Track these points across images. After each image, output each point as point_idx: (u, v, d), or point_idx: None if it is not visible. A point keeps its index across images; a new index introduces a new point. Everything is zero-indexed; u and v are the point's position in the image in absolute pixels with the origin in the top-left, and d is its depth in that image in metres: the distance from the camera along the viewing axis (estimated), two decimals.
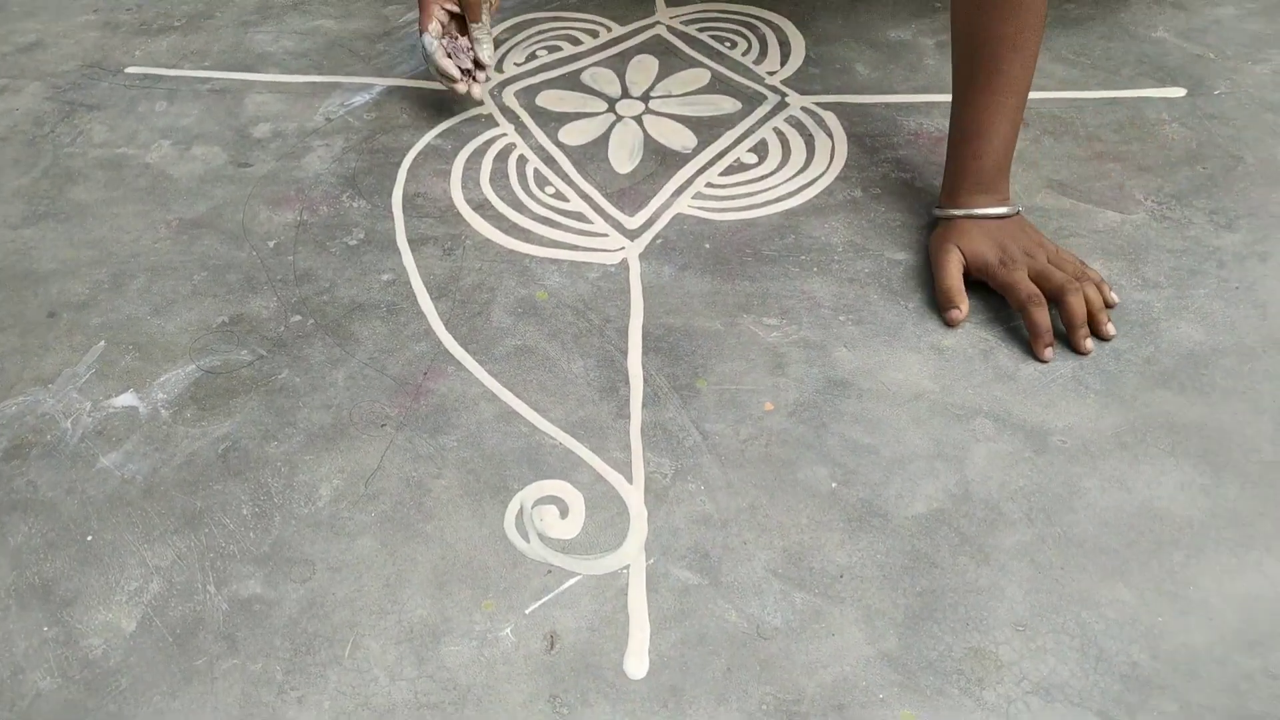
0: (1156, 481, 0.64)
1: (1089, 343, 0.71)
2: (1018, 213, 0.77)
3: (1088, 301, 0.72)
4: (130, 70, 1.04)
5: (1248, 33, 1.02)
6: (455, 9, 0.90)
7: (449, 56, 0.90)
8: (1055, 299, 0.72)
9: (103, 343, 0.75)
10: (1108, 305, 0.73)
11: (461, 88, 0.91)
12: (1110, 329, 0.72)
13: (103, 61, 1.05)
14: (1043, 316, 0.71)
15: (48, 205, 0.87)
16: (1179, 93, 0.95)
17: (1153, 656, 0.55)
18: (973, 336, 0.73)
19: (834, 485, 0.64)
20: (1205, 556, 0.60)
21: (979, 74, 0.76)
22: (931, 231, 0.80)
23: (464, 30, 0.92)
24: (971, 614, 0.57)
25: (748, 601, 0.58)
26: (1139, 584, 0.58)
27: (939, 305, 0.75)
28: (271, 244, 0.83)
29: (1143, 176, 0.86)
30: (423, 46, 0.89)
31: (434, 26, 0.88)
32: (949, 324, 0.74)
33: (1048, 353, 0.71)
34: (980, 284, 0.76)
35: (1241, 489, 0.63)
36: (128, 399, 0.71)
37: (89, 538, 0.62)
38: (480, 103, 0.95)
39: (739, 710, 0.53)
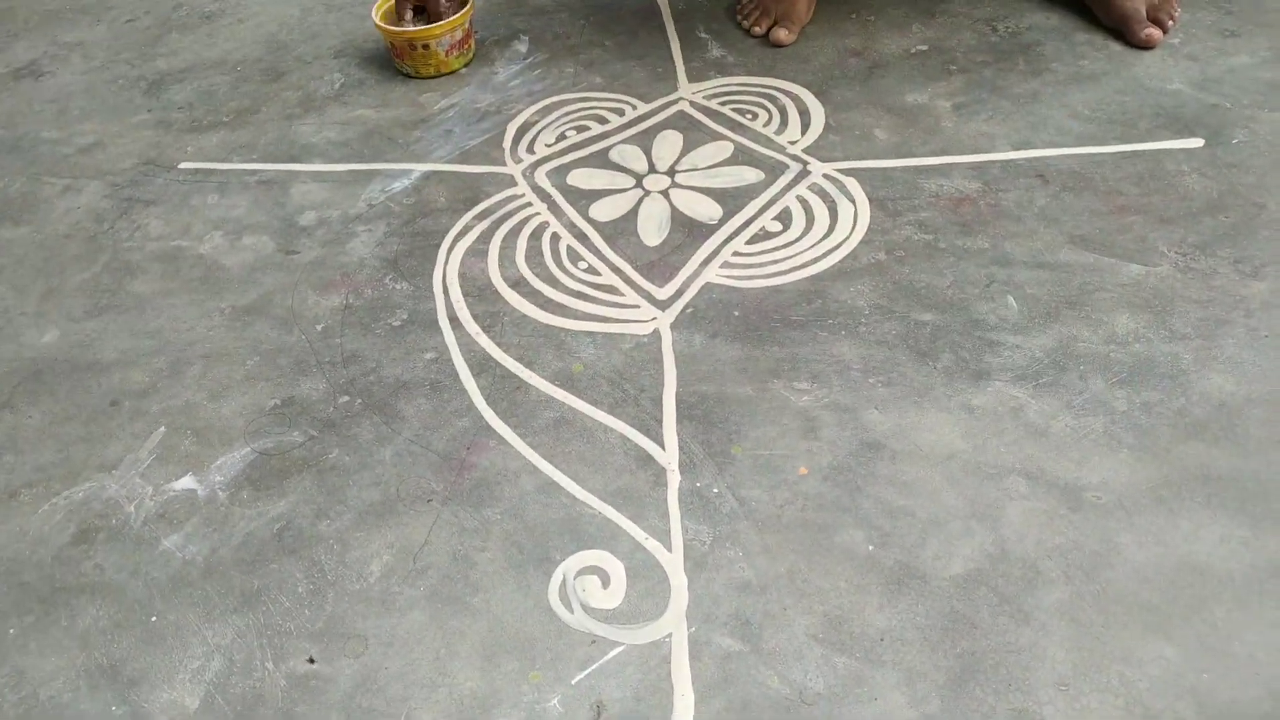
0: (1195, 535, 0.64)
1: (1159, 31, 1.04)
2: None
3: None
4: (183, 166, 1.10)
5: (1262, 81, 1.03)
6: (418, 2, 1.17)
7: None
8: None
9: (163, 428, 0.78)
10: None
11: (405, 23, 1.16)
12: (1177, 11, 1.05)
13: (157, 159, 1.12)
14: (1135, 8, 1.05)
15: (109, 298, 0.92)
16: (1197, 143, 0.97)
17: (1199, 714, 0.55)
18: (1002, 395, 0.74)
19: (871, 548, 0.65)
20: (1248, 610, 0.59)
21: None
22: None
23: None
24: (1013, 674, 0.58)
25: (789, 667, 0.59)
26: (1181, 640, 0.58)
27: (1132, 28, 1.08)
28: (319, 327, 0.86)
29: (1165, 228, 0.87)
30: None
31: (410, 16, 1.17)
32: (1147, 43, 1.07)
33: (1150, 31, 1.06)
34: None
35: None
36: (187, 482, 0.74)
37: (153, 618, 0.65)
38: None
39: None
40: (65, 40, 1.37)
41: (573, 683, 0.59)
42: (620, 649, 0.61)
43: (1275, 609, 0.59)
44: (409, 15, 1.18)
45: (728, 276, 0.88)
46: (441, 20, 1.15)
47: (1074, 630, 0.59)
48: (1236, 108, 1.00)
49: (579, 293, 0.88)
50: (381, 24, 1.17)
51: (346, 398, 0.80)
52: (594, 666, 0.60)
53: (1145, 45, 1.09)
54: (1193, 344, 0.76)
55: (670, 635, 0.61)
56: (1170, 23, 1.11)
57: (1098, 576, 0.62)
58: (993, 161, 0.97)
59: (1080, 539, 0.64)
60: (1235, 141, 0.96)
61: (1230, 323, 0.78)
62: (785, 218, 0.93)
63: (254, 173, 1.08)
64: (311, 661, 0.62)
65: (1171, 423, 0.71)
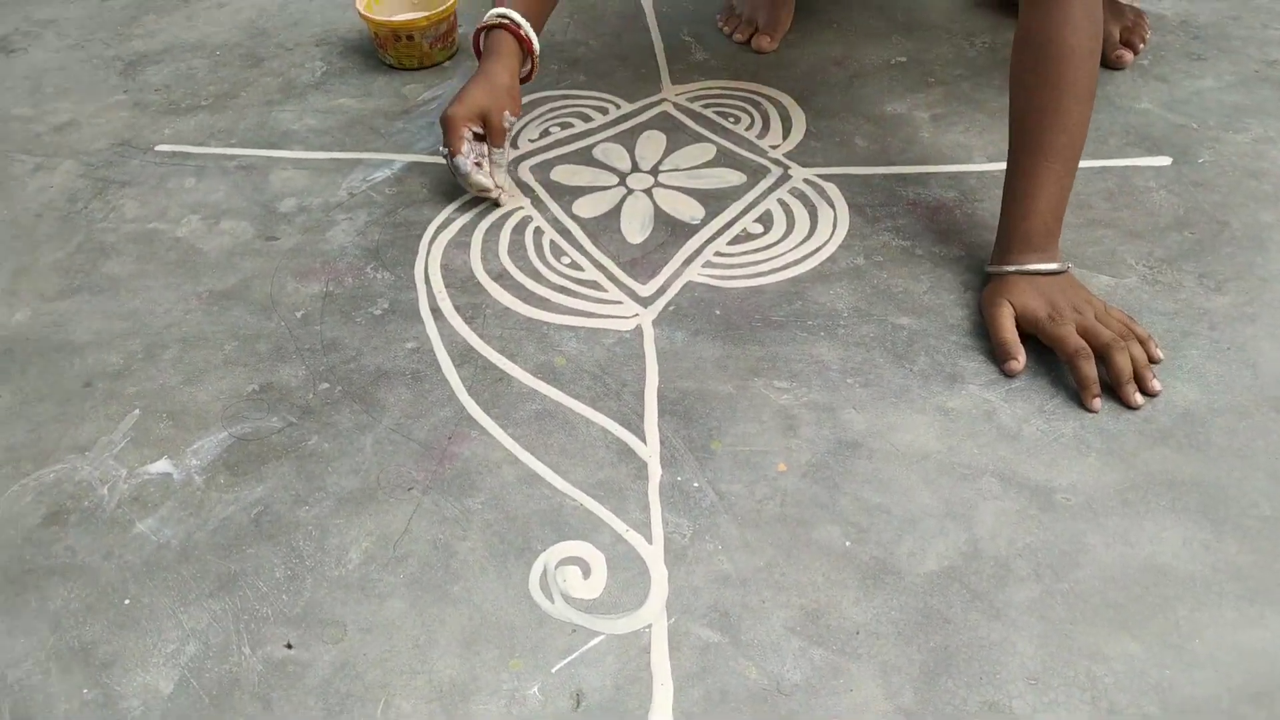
0: (1159, 537, 0.66)
1: (1138, 397, 0.74)
2: (1067, 270, 0.81)
3: (1133, 359, 0.75)
4: (160, 148, 1.09)
5: (1227, 104, 1.07)
6: (479, 129, 0.95)
7: (478, 166, 0.94)
8: (1102, 356, 0.75)
9: (137, 411, 0.77)
10: (1152, 361, 0.76)
11: (496, 194, 0.96)
12: (1155, 385, 0.75)
13: (133, 140, 1.10)
14: (1090, 369, 0.74)
15: (82, 279, 0.91)
16: (1165, 161, 1.00)
17: (1163, 709, 0.57)
18: (976, 399, 0.76)
19: (848, 544, 0.66)
20: (1209, 610, 0.62)
21: (1025, 141, 0.81)
22: (983, 289, 0.84)
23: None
24: (985, 669, 0.59)
25: (767, 659, 0.60)
26: (1146, 638, 0.60)
27: (997, 357, 0.78)
28: (299, 314, 0.86)
29: (1134, 242, 0.90)
30: (455, 168, 0.94)
31: (465, 148, 0.93)
32: (1008, 374, 0.77)
33: (1095, 403, 0.74)
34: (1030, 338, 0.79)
35: (1241, 544, 0.65)
36: (162, 466, 0.73)
37: (126, 601, 0.64)
38: (520, 205, 0.98)
39: None
40: (39, 17, 1.34)
41: (553, 671, 0.60)
42: (600, 639, 0.61)
43: (1233, 609, 0.62)
44: (465, 147, 0.93)
45: (710, 276, 0.89)
46: (504, 142, 0.96)
47: (1043, 627, 0.61)
48: (1203, 129, 1.04)
49: (562, 287, 0.88)
50: (365, 13, 1.17)
51: (326, 385, 0.79)
52: (574, 655, 0.61)
53: (1116, 66, 1.12)
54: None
55: (650, 626, 0.62)
56: (1141, 45, 1.14)
57: (1066, 575, 0.64)
58: (969, 172, 1.00)
59: (1050, 539, 0.66)
60: (1201, 161, 0.99)
61: (1195, 334, 0.81)
62: (766, 220, 0.95)
63: (232, 157, 1.07)
64: (289, 647, 0.61)
65: (1139, 429, 0.73)
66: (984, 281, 0.85)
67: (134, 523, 0.69)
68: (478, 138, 0.95)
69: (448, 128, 0.93)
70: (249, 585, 0.65)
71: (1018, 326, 0.79)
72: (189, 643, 0.62)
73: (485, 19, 0.97)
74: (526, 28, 0.96)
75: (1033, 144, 0.81)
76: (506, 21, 0.95)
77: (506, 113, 0.94)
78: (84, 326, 0.86)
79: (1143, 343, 0.77)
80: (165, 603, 0.64)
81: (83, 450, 0.74)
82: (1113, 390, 0.75)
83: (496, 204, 0.97)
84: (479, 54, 0.98)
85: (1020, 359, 0.77)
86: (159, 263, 0.93)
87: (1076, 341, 0.75)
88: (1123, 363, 0.74)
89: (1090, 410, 0.74)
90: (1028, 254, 0.81)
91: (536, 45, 0.98)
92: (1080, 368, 0.74)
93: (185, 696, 0.59)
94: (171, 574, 0.66)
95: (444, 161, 0.99)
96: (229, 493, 0.71)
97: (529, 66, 1.00)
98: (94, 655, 0.61)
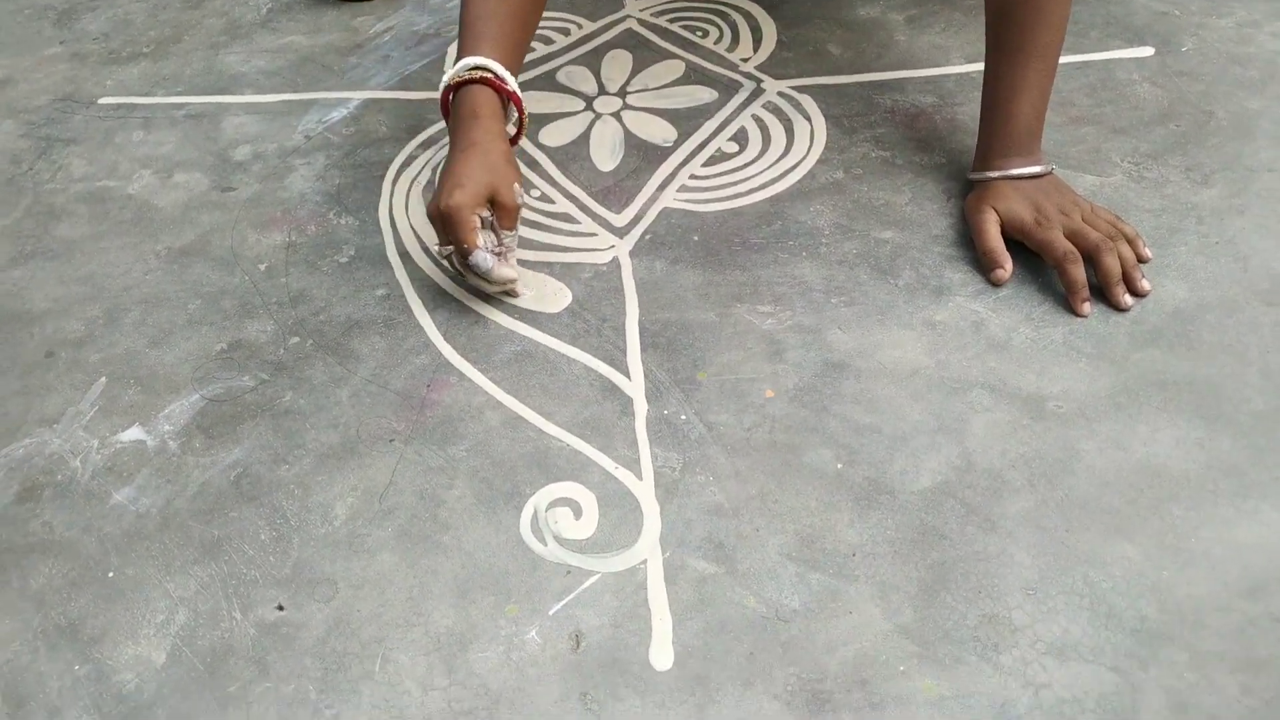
0: (1152, 439, 0.65)
1: (1127, 298, 0.73)
2: (1050, 171, 0.79)
3: (1122, 259, 0.73)
4: (104, 101, 1.04)
5: None
6: (486, 214, 0.74)
7: (499, 257, 0.76)
8: (1091, 257, 0.73)
9: (104, 379, 0.75)
10: (1141, 260, 0.75)
11: (520, 288, 0.79)
12: (1145, 285, 0.73)
13: (75, 94, 1.05)
14: (1079, 273, 0.73)
15: (34, 244, 0.87)
16: (1147, 52, 0.97)
17: (1160, 610, 0.57)
18: (963, 310, 0.75)
19: (840, 466, 0.65)
20: (1204, 509, 0.61)
21: (1003, 42, 0.78)
22: (966, 196, 0.81)
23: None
24: (983, 582, 0.59)
25: (764, 587, 0.59)
26: (1142, 540, 0.60)
27: (983, 266, 0.76)
28: (263, 267, 0.83)
29: (1118, 138, 0.88)
30: (474, 266, 0.73)
31: (483, 240, 0.74)
32: (995, 283, 0.76)
33: (1085, 307, 0.73)
34: (1017, 244, 0.77)
35: (1234, 440, 0.65)
36: (135, 433, 0.71)
37: (110, 574, 0.63)
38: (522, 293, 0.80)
39: (765, 693, 0.55)
40: None
41: (550, 614, 0.59)
42: (596, 578, 0.61)
43: (1228, 506, 0.61)
44: (480, 240, 0.73)
45: (686, 200, 0.86)
46: (514, 227, 0.77)
47: (1039, 536, 0.61)
48: (1185, 14, 1.00)
49: (534, 223, 0.85)
50: None
51: (297, 339, 0.77)
52: (570, 597, 0.60)
53: None
54: None
55: (645, 562, 0.61)
56: None
57: (1060, 483, 0.63)
58: (947, 75, 0.96)
59: (1043, 448, 0.65)
60: (1184, 49, 0.96)
61: (1182, 230, 0.79)
62: (741, 138, 0.91)
63: (180, 106, 1.02)
64: (280, 609, 0.60)
65: (1128, 331, 0.72)
66: (967, 188, 0.83)
67: (110, 494, 0.67)
68: (484, 223, 0.75)
69: (455, 221, 0.72)
70: (234, 549, 0.64)
71: (1003, 233, 0.77)
72: (178, 611, 0.61)
73: (456, 72, 0.77)
74: (512, 82, 0.77)
75: (1011, 44, 0.78)
76: (488, 76, 0.77)
77: (516, 185, 0.75)
78: (40, 294, 0.83)
79: (1131, 241, 0.75)
80: (150, 573, 0.63)
81: (50, 423, 0.72)
82: (1101, 293, 0.73)
83: (512, 295, 0.79)
84: (448, 115, 0.79)
85: (1007, 267, 0.75)
86: (113, 222, 0.89)
87: (1064, 245, 0.74)
88: (1111, 264, 0.73)
89: (1080, 315, 0.72)
90: (1010, 158, 0.79)
91: (523, 100, 0.79)
92: (1069, 272, 0.73)
93: (179, 666, 0.58)
94: (154, 543, 0.64)
95: (446, 265, 0.81)
96: (206, 456, 0.69)
97: (517, 128, 0.81)
98: (82, 631, 0.60)
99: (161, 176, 0.93)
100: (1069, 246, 0.73)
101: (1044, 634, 0.56)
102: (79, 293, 0.82)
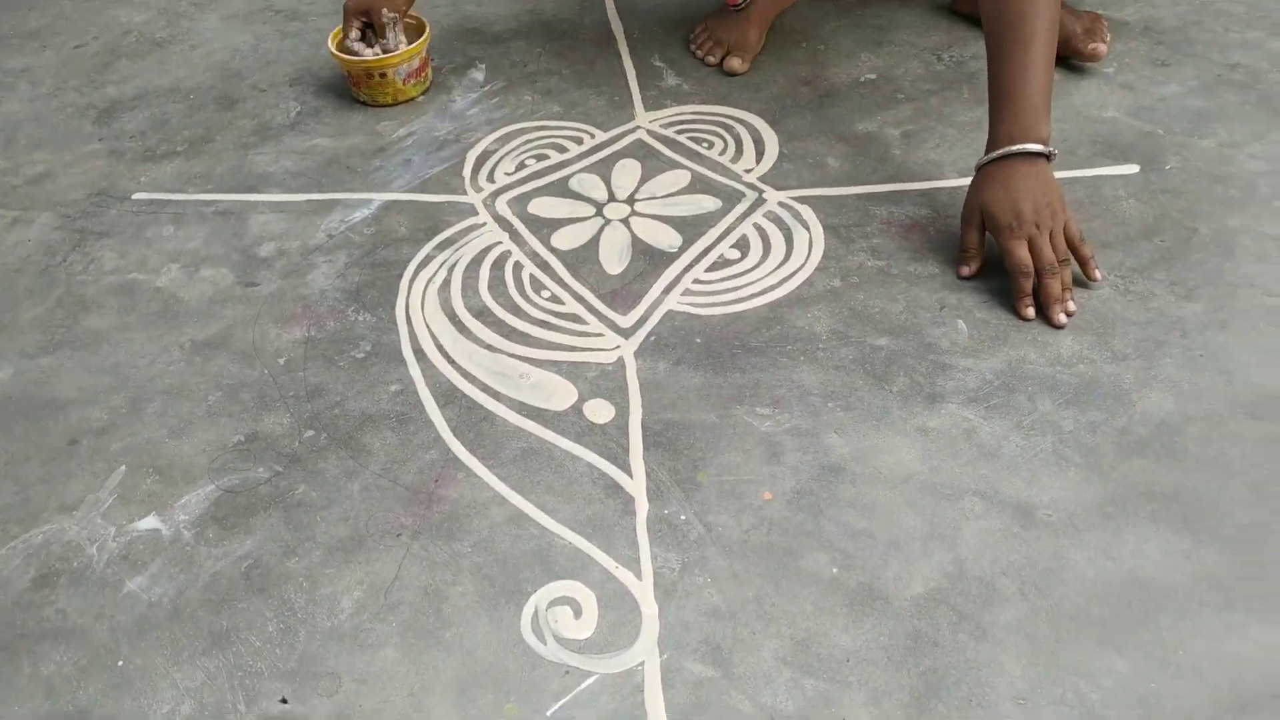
0: (1140, 550, 0.67)
1: (1061, 317, 0.84)
2: (1054, 153, 0.87)
3: (1064, 283, 0.85)
4: (137, 196, 1.09)
5: (1191, 109, 1.09)
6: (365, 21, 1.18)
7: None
8: (1038, 275, 0.85)
9: (123, 467, 0.78)
10: (1091, 280, 0.87)
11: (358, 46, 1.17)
12: (1070, 306, 0.84)
13: (110, 189, 1.10)
14: (1026, 285, 0.85)
15: (63, 334, 0.91)
16: (1133, 169, 1.01)
17: None
18: (955, 417, 0.77)
19: (835, 571, 0.67)
20: (1191, 621, 0.63)
21: (1004, 32, 0.88)
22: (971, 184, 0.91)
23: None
24: (974, 690, 0.60)
25: (760, 691, 0.60)
26: (1130, 652, 0.61)
27: (957, 257, 0.90)
28: (282, 361, 0.86)
29: (1105, 252, 0.91)
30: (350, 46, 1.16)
31: (364, 41, 1.19)
32: (958, 274, 0.89)
33: (1027, 311, 0.85)
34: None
35: (1220, 553, 0.66)
36: (151, 522, 0.73)
37: (120, 663, 0.64)
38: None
39: None
40: (10, 67, 1.34)
41: (548, 714, 0.60)
42: (594, 679, 0.62)
43: (1215, 618, 0.63)
44: (355, 34, 1.18)
45: (689, 304, 0.89)
46: (387, 36, 1.17)
47: (1030, 645, 0.62)
48: (1169, 135, 1.05)
49: (543, 321, 0.89)
50: (337, 53, 1.18)
51: (311, 432, 0.80)
52: (568, 697, 0.61)
53: (1093, 58, 1.13)
54: (1133, 364, 0.80)
55: (643, 663, 0.62)
56: (1107, 37, 1.14)
57: (1050, 592, 0.65)
58: (940, 188, 1.01)
59: (1033, 556, 0.67)
60: (1168, 168, 1.01)
61: (1167, 343, 0.82)
62: (743, 245, 0.95)
63: (210, 203, 1.07)
64: (284, 702, 0.62)
65: (1115, 441, 0.74)
66: (960, 298, 0.87)
67: (124, 582, 0.69)
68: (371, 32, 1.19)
69: (343, 16, 1.18)
70: (242, 641, 0.65)
71: (983, 224, 0.88)
72: (184, 702, 0.62)
73: None
74: None
75: (1011, 34, 0.87)
76: None
77: (386, 11, 1.15)
78: (67, 382, 0.86)
79: (1084, 264, 0.87)
80: (158, 662, 0.64)
81: (70, 510, 0.75)
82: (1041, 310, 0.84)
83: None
84: None
85: (973, 267, 0.89)
86: (140, 314, 0.93)
87: (1023, 259, 0.84)
88: (1052, 287, 0.84)
89: (1022, 317, 0.84)
90: (1017, 137, 0.86)
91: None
92: (1018, 281, 0.85)
93: None
94: (164, 633, 0.66)
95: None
96: (218, 547, 0.71)
97: None
98: (90, 719, 0.61)
99: (189, 270, 0.98)
100: (1026, 260, 0.85)
101: None
102: (104, 382, 0.86)
